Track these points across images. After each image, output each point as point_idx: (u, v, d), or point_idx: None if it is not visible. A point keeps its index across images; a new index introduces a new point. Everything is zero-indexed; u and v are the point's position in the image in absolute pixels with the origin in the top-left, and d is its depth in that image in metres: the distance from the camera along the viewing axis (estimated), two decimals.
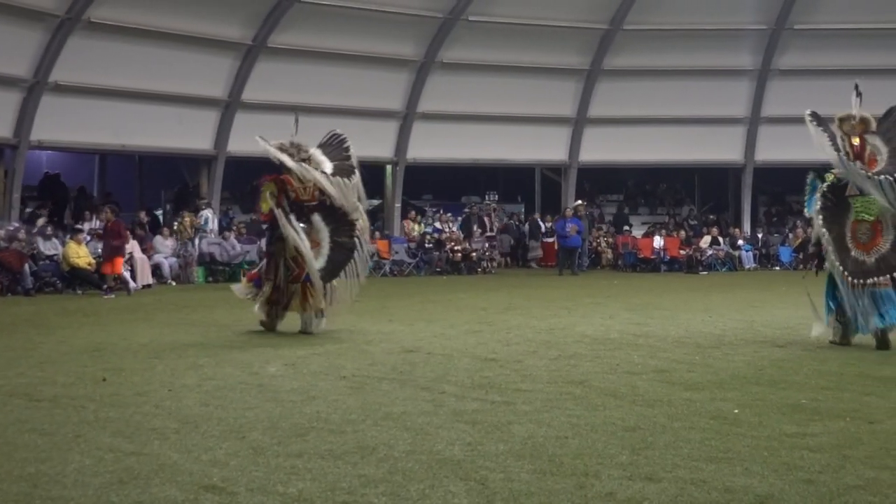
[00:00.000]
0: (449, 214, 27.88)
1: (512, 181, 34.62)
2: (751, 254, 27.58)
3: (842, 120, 10.47)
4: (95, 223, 22.28)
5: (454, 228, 26.88)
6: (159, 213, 28.09)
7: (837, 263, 10.17)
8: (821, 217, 10.36)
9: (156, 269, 21.55)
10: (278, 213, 11.70)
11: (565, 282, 22.36)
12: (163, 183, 30.29)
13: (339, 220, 12.05)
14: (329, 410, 7.04)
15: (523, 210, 32.22)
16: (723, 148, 29.28)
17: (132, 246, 20.80)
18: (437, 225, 27.08)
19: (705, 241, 27.21)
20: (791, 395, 7.57)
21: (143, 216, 24.53)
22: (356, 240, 12.02)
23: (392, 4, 25.37)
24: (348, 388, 8.00)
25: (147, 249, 21.70)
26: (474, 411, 7.01)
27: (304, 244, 11.62)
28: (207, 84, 24.75)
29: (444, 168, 30.61)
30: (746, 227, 29.50)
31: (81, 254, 19.08)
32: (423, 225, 27.10)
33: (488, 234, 27.88)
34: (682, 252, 26.76)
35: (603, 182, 33.34)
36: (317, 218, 12.01)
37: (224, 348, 10.48)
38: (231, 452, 5.84)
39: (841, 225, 10.32)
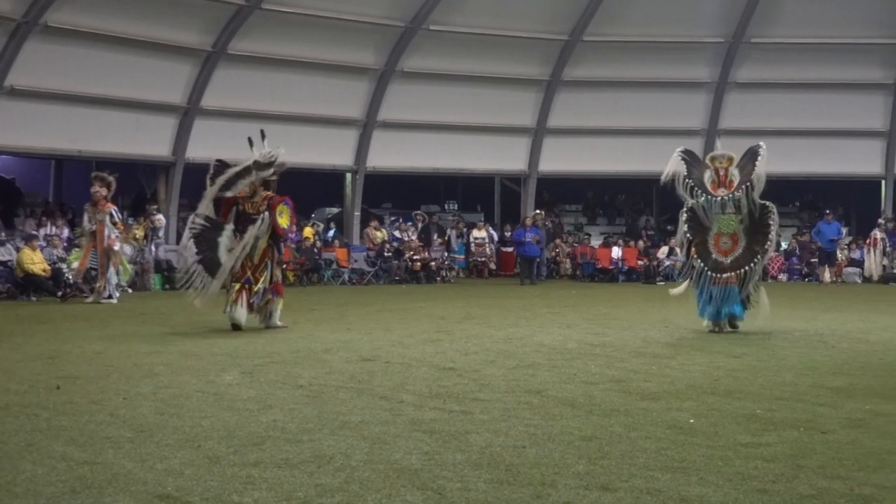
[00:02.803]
0: (409, 223, 27.93)
1: (472, 190, 34.77)
2: None
3: (713, 158, 13.36)
4: (51, 229, 22.07)
5: (413, 237, 26.90)
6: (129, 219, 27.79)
7: (700, 262, 13.09)
8: (686, 227, 13.33)
9: None
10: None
11: (523, 291, 22.42)
12: (119, 189, 29.98)
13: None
14: (286, 419, 7.00)
15: (483, 219, 32.32)
16: None
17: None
18: (396, 234, 27.08)
19: (663, 251, 27.41)
20: (746, 406, 7.63)
21: None
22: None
23: (353, 13, 25.41)
24: (305, 396, 7.97)
25: None
26: (432, 420, 7.00)
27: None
28: (166, 90, 24.61)
29: (404, 177, 30.64)
30: None
31: (36, 260, 18.89)
32: (384, 232, 27.10)
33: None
34: (640, 262, 26.95)
35: (562, 192, 33.51)
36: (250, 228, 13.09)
37: (180, 356, 10.39)
38: (186, 461, 5.79)
39: (704, 234, 13.16)
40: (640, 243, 27.90)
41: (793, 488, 5.30)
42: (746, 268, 12.92)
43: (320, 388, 8.39)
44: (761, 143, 13.35)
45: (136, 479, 5.40)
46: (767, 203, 13.08)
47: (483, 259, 27.77)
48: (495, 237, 28.82)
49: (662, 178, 13.47)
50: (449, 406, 7.57)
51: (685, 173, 13.15)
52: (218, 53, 24.60)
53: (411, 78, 27.31)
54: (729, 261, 12.98)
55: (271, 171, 13.25)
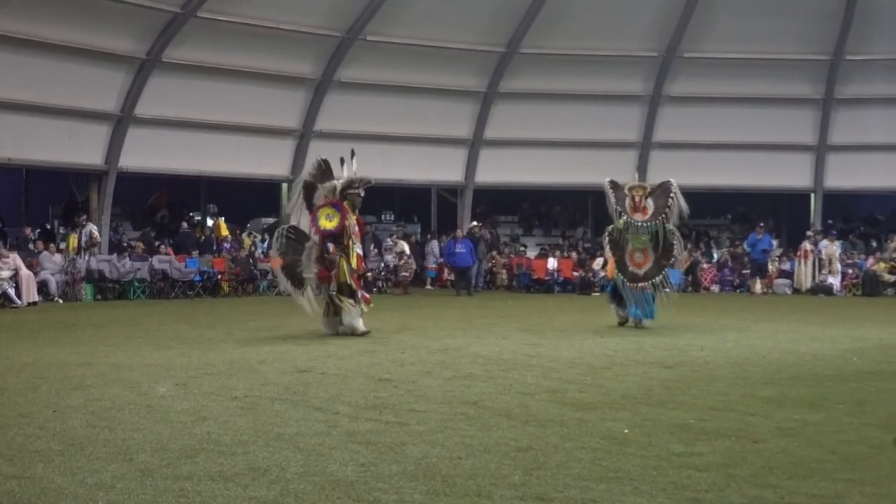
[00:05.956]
0: None
1: (408, 201, 34.72)
2: None
3: (631, 188, 15.94)
4: None
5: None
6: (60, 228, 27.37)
7: (619, 275, 15.68)
8: (609, 247, 16.21)
9: (42, 286, 20.98)
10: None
11: (460, 302, 22.46)
12: (50, 197, 29.57)
13: None
14: (220, 431, 6.93)
15: (419, 230, 32.35)
16: (615, 171, 29.57)
17: (13, 259, 20.23)
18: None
19: (598, 262, 27.60)
20: (679, 415, 7.71)
21: (28, 232, 23.89)
22: None
23: (290, 22, 25.29)
24: (240, 408, 7.89)
25: (33, 265, 21.12)
26: (368, 432, 6.98)
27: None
28: (99, 98, 24.27)
29: None
30: None
31: None
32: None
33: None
34: (575, 273, 27.14)
35: (498, 203, 33.64)
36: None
37: (112, 368, 10.24)
38: (118, 475, 5.70)
39: (623, 251, 15.80)
40: (575, 254, 28.10)
41: (725, 497, 5.37)
42: (658, 278, 15.63)
43: (255, 399, 8.32)
44: (672, 180, 16.00)
45: (66, 494, 5.31)
46: (674, 229, 15.75)
47: (407, 274, 27.14)
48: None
49: (610, 207, 15.94)
50: (385, 417, 7.55)
51: (614, 200, 15.82)
52: (153, 61, 24.32)
53: (348, 88, 27.29)
54: (642, 272, 15.63)
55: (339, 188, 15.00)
